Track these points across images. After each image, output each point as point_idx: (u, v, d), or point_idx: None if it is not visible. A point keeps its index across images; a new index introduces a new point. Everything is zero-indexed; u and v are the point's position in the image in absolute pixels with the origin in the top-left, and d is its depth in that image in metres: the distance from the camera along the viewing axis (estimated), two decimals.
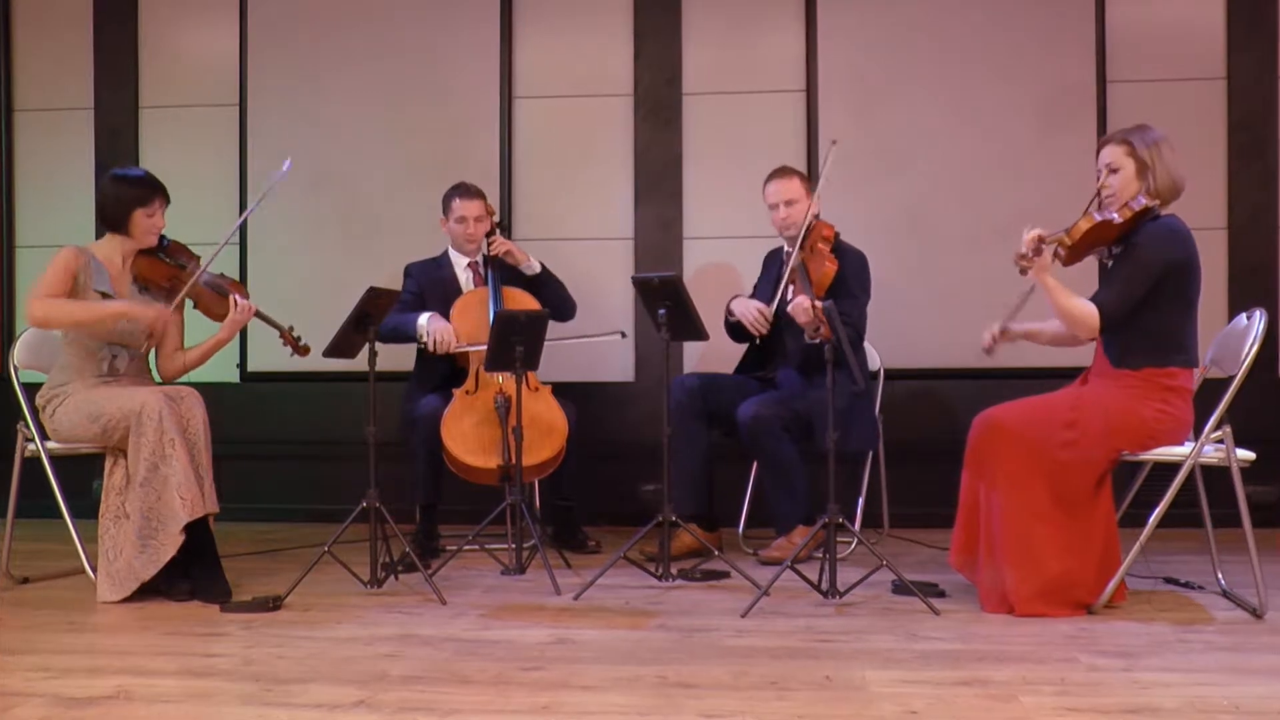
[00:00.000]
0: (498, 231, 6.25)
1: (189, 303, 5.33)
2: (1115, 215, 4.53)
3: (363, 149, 7.31)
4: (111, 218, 5.19)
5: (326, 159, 7.31)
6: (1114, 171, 4.63)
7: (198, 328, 5.47)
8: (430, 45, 7.28)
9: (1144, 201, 4.53)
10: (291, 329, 5.41)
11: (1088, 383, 4.75)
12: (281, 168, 5.18)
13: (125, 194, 5.17)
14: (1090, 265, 4.82)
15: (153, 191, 5.21)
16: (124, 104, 7.47)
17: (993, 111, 6.94)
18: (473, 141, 7.22)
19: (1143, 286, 4.49)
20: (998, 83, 6.94)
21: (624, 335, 6.25)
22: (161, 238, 5.27)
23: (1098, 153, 4.74)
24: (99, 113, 7.50)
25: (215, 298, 5.30)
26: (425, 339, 5.94)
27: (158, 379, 5.42)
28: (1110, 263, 4.70)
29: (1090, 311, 4.52)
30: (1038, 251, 4.50)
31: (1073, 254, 4.61)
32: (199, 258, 5.30)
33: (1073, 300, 4.55)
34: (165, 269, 5.25)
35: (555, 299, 6.16)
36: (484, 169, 7.06)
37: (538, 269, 6.21)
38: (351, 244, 7.27)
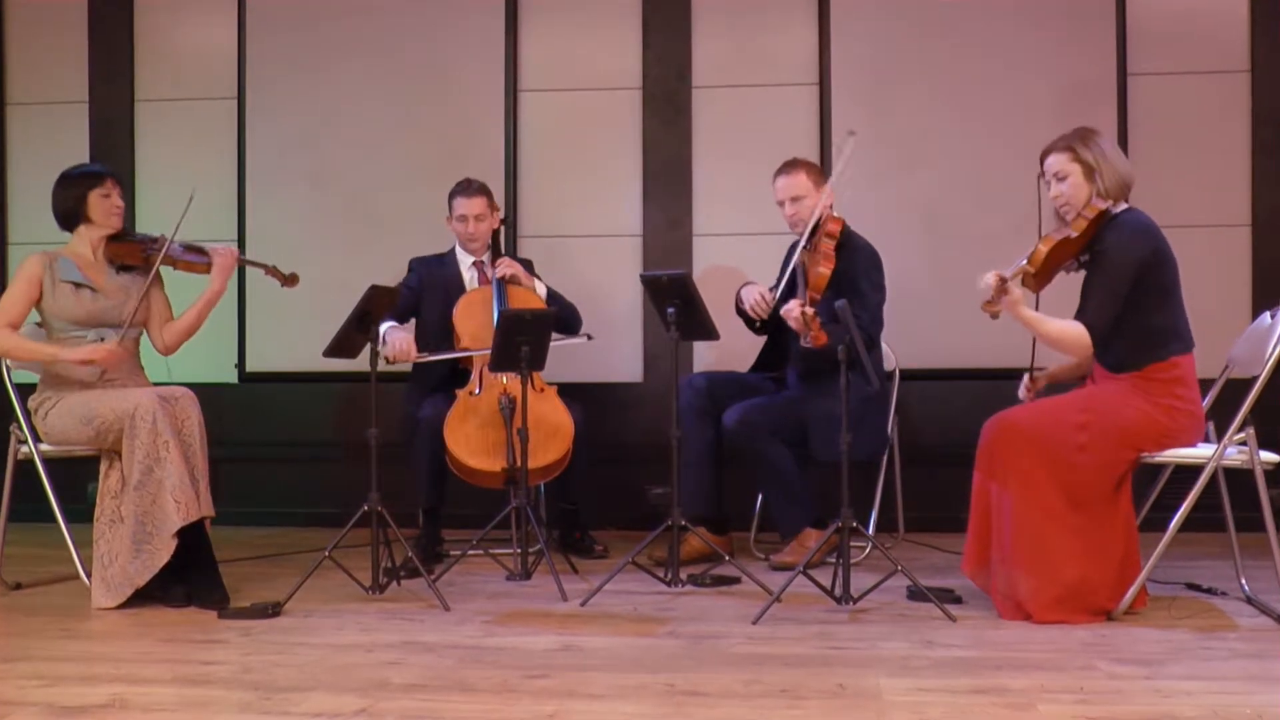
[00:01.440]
0: (503, 229, 6.26)
1: (170, 270, 5.40)
2: (1071, 231, 4.54)
3: (364, 143, 7.32)
4: (69, 211, 5.28)
5: (327, 154, 7.32)
6: (1061, 180, 4.64)
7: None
8: (433, 37, 7.28)
9: (1098, 205, 4.54)
10: (276, 266, 5.56)
11: (1095, 384, 4.75)
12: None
13: (75, 184, 5.29)
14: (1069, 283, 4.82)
15: (101, 174, 5.33)
16: (119, 97, 7.48)
17: (1010, 105, 6.92)
18: (476, 136, 7.22)
19: (1120, 291, 4.50)
20: (1015, 76, 6.93)
21: (590, 338, 6.14)
22: (126, 228, 5.37)
23: (1041, 163, 4.74)
24: (94, 106, 7.51)
25: (193, 253, 5.41)
26: (382, 348, 5.86)
27: (158, 378, 5.42)
28: (1083, 271, 4.70)
29: (1078, 331, 4.51)
30: (1004, 291, 4.48)
31: (1040, 279, 4.62)
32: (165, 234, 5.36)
33: (1056, 325, 4.53)
34: (137, 246, 5.34)
35: (563, 318, 6.09)
36: (488, 164, 7.04)
37: (544, 293, 6.19)
38: (352, 241, 7.27)
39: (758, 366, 6.14)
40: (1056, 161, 4.66)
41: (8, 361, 5.37)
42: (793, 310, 5.44)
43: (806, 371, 5.76)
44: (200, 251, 5.39)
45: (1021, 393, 4.89)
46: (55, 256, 5.20)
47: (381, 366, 5.05)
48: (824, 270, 5.62)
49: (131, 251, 5.31)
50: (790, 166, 5.93)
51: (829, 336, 5.01)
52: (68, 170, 5.38)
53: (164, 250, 5.26)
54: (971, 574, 4.72)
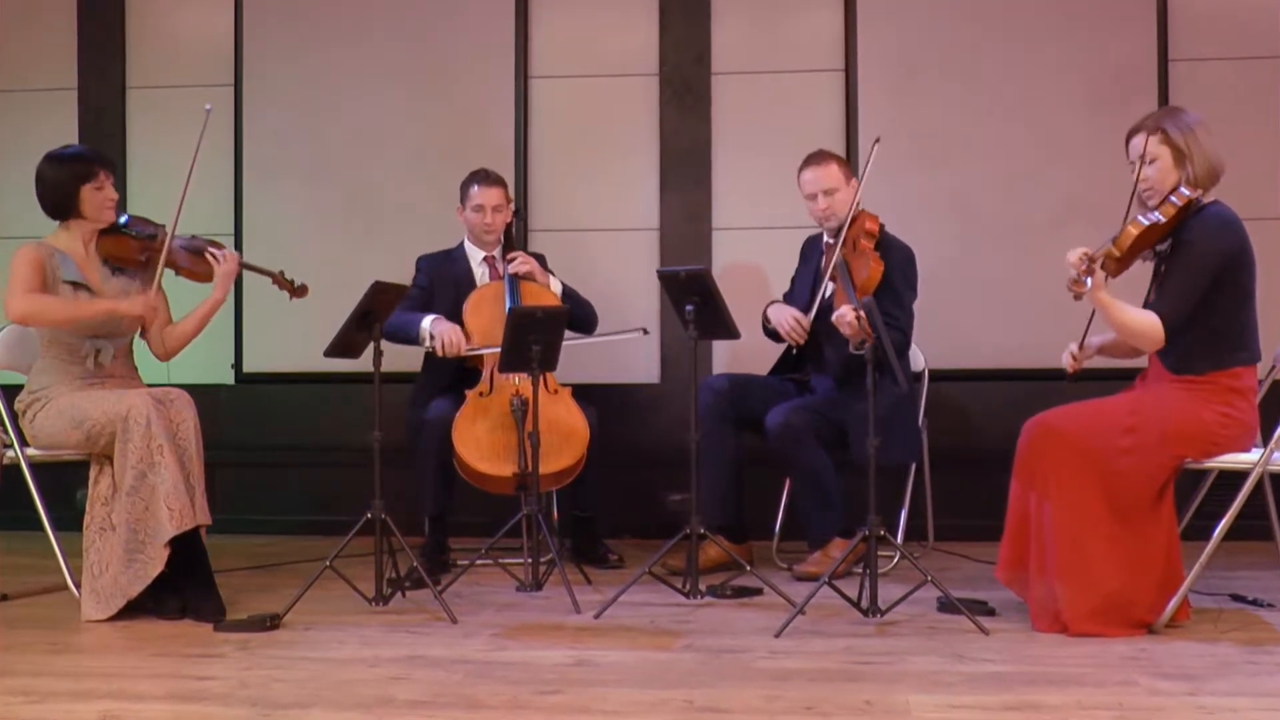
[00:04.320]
0: (515, 223, 6.27)
1: (169, 273, 5.34)
2: (1159, 216, 4.51)
3: (367, 134, 7.32)
4: (57, 203, 5.19)
5: (328, 144, 7.33)
6: (1149, 163, 4.60)
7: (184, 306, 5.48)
8: (440, 21, 7.28)
9: (1186, 194, 4.50)
10: (282, 272, 5.52)
11: (1145, 386, 4.73)
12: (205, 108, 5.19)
13: (65, 173, 5.18)
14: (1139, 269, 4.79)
15: (93, 163, 5.21)
16: (110, 84, 7.49)
17: (1044, 92, 6.91)
18: (486, 125, 7.23)
19: (1201, 285, 4.48)
20: (1050, 61, 6.91)
21: (646, 332, 6.21)
22: (121, 213, 5.30)
23: (1126, 143, 4.72)
24: (83, 94, 7.52)
25: (195, 258, 5.36)
26: (429, 343, 5.93)
27: (157, 379, 5.42)
28: (1160, 263, 4.67)
29: (1153, 323, 4.48)
30: (1090, 272, 4.46)
31: (1121, 264, 4.59)
32: (164, 225, 5.31)
33: (1132, 314, 4.52)
34: (134, 243, 5.27)
35: (579, 316, 6.14)
36: (498, 154, 7.02)
37: (559, 290, 6.20)
38: (355, 236, 7.28)
39: (779, 368, 6.13)
40: (1143, 143, 4.61)
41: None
42: (846, 315, 5.37)
43: (846, 376, 5.72)
44: (200, 254, 5.34)
45: (1066, 360, 4.83)
46: (51, 251, 5.13)
47: (384, 366, 5.05)
48: (874, 274, 5.62)
49: (128, 249, 5.25)
50: (820, 157, 5.92)
51: (874, 331, 4.98)
52: (54, 152, 5.26)
53: (165, 250, 5.21)
54: (1007, 581, 4.70)
